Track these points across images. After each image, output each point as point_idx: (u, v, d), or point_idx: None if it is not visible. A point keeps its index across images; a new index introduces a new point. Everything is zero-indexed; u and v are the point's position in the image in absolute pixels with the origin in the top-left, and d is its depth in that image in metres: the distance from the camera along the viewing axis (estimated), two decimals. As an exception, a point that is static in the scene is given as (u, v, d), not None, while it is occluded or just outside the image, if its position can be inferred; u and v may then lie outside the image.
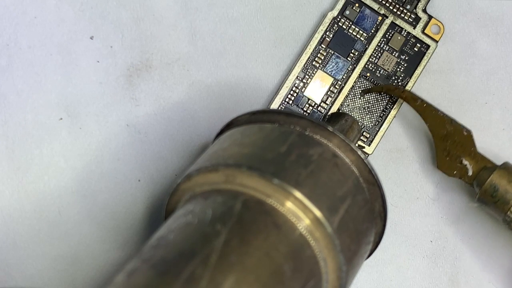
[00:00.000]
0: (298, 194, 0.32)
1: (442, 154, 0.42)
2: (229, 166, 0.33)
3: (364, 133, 0.43)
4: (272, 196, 0.32)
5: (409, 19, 0.44)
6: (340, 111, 0.43)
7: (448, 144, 0.42)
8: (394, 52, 0.44)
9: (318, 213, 0.32)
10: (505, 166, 0.41)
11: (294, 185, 0.32)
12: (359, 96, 0.43)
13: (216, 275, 0.28)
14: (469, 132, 0.42)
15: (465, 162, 0.42)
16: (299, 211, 0.32)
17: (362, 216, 0.34)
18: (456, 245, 0.44)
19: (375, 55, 0.43)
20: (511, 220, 0.41)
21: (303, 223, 0.32)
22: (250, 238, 0.30)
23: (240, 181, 0.32)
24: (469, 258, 0.44)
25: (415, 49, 0.44)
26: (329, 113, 0.43)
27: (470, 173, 0.42)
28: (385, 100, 0.43)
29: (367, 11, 0.44)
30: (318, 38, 0.43)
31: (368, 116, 0.43)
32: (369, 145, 0.43)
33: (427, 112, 0.42)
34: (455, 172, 0.42)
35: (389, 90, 0.43)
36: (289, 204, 0.32)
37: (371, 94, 0.43)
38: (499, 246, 0.44)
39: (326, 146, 0.34)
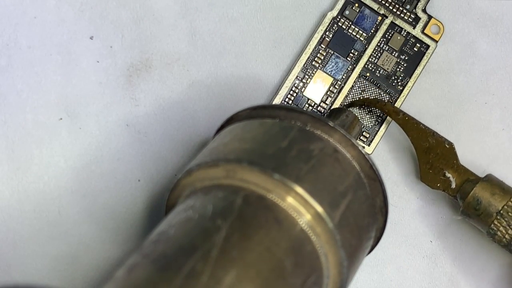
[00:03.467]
0: (299, 189, 0.32)
1: (425, 167, 0.42)
2: (229, 161, 0.33)
3: (364, 133, 0.43)
4: (273, 191, 0.32)
5: (409, 19, 0.44)
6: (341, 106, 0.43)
7: (431, 157, 0.42)
8: (394, 52, 0.44)
9: (319, 208, 0.32)
10: (488, 179, 0.41)
11: (295, 180, 0.32)
12: (359, 95, 0.43)
13: (216, 270, 0.28)
14: (451, 144, 0.42)
15: (448, 174, 0.42)
16: (300, 206, 0.32)
17: (363, 212, 0.34)
18: (456, 245, 0.44)
19: (375, 55, 0.44)
20: (495, 233, 0.40)
21: (304, 218, 0.32)
22: (251, 233, 0.30)
23: (241, 176, 0.32)
24: (469, 258, 0.44)
25: (415, 49, 0.44)
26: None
27: (453, 185, 0.42)
28: (385, 100, 0.43)
29: (367, 11, 0.44)
30: (318, 38, 0.43)
31: (367, 116, 0.44)
32: (368, 145, 0.43)
33: (409, 125, 0.42)
34: (438, 184, 0.42)
35: (371, 103, 0.43)
36: (290, 199, 0.32)
37: (371, 94, 0.43)
38: (484, 258, 0.44)
39: (327, 141, 0.34)
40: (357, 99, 0.43)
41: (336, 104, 0.43)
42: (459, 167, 0.42)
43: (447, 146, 0.42)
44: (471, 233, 0.44)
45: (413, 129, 0.42)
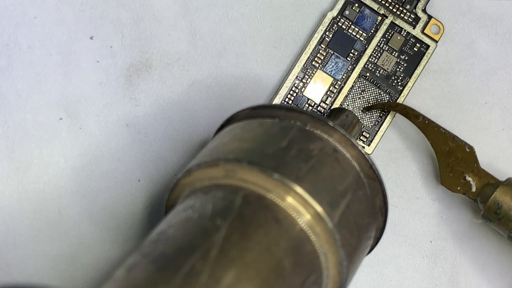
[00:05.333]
0: (298, 189, 0.32)
1: (446, 170, 0.42)
2: (229, 161, 0.33)
3: (364, 133, 0.43)
4: (273, 191, 0.32)
5: (409, 19, 0.44)
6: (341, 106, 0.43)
7: (451, 161, 0.42)
8: (394, 52, 0.44)
9: (318, 208, 0.32)
10: (508, 183, 0.41)
11: (295, 180, 0.32)
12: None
13: (216, 270, 0.28)
14: (471, 148, 0.42)
15: (469, 178, 0.42)
16: (300, 206, 0.32)
17: (363, 211, 0.34)
18: (456, 245, 0.44)
19: (375, 55, 0.44)
20: None
21: (304, 218, 0.32)
22: (250, 233, 0.30)
23: (241, 176, 0.32)
24: (469, 258, 0.44)
25: (415, 49, 0.44)
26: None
27: (473, 189, 0.42)
28: (385, 100, 0.43)
29: (367, 11, 0.44)
30: (318, 38, 0.43)
31: (367, 116, 0.44)
32: (368, 145, 0.43)
33: (429, 129, 0.42)
34: (458, 188, 0.42)
35: (391, 106, 0.43)
36: (289, 199, 0.32)
37: (370, 94, 0.43)
38: (484, 258, 0.44)
39: (327, 141, 0.34)
40: (376, 103, 0.43)
41: (336, 104, 0.43)
42: (479, 170, 0.42)
43: (468, 150, 0.42)
44: (471, 233, 0.44)
45: (433, 132, 0.42)
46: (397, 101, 0.43)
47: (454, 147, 0.42)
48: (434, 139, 0.42)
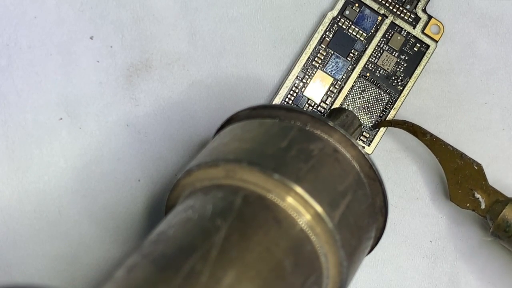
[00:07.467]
0: (298, 189, 0.32)
1: (455, 187, 0.42)
2: (229, 161, 0.33)
3: (364, 133, 0.43)
4: (273, 191, 0.32)
5: (409, 19, 0.44)
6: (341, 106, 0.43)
7: (460, 178, 0.42)
8: (394, 52, 0.44)
9: (318, 208, 0.32)
10: None
11: (295, 180, 0.32)
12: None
13: (216, 271, 0.28)
14: (479, 166, 0.42)
15: (477, 195, 0.42)
16: (300, 206, 0.32)
17: (363, 212, 0.34)
18: (456, 245, 0.44)
19: (375, 55, 0.44)
20: None
21: (304, 218, 0.32)
22: (250, 233, 0.30)
23: (241, 176, 0.32)
24: (469, 258, 0.44)
25: (415, 49, 0.44)
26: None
27: (483, 206, 0.42)
28: (385, 100, 0.43)
29: (367, 11, 0.44)
30: (318, 38, 0.43)
31: (367, 116, 0.44)
32: (368, 145, 0.43)
33: (436, 146, 0.42)
34: (468, 204, 0.42)
35: (398, 124, 0.43)
36: (289, 199, 0.32)
37: (371, 94, 0.43)
38: (484, 258, 0.44)
39: (327, 141, 0.34)
40: (383, 120, 0.43)
41: (336, 104, 0.43)
42: (488, 188, 0.42)
43: (476, 168, 0.42)
44: (471, 233, 0.44)
45: (441, 150, 0.42)
46: (397, 101, 0.43)
47: (462, 164, 0.42)
48: (442, 156, 0.42)
